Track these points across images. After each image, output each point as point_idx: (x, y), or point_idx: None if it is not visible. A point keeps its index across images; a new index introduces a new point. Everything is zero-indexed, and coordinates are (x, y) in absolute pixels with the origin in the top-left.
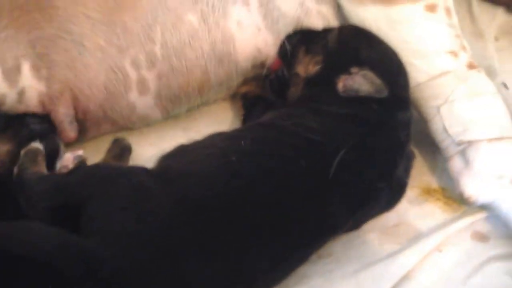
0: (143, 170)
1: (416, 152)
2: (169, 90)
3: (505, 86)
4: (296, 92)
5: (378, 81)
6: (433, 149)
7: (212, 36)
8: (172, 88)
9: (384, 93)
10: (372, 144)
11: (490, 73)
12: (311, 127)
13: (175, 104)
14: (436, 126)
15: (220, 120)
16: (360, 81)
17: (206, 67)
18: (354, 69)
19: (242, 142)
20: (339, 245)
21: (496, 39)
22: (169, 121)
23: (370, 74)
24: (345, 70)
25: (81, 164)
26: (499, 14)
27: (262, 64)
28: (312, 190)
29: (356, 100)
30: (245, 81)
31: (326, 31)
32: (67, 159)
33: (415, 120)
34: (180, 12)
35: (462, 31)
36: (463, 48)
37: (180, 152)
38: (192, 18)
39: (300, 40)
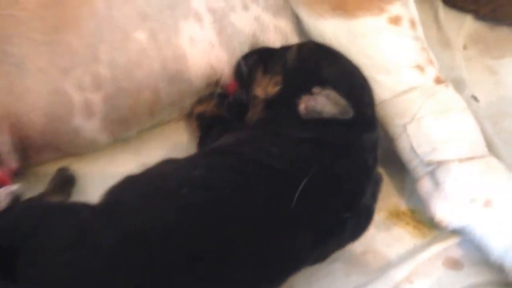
0: (85, 207)
1: (382, 171)
2: (117, 113)
3: (475, 98)
4: (256, 115)
5: (342, 101)
6: (400, 168)
7: (163, 54)
8: (120, 110)
9: (349, 114)
10: (337, 171)
11: (459, 85)
12: (271, 153)
13: (124, 127)
14: (403, 145)
15: (174, 142)
16: (322, 102)
17: (157, 87)
18: (316, 89)
19: (195, 172)
20: (301, 278)
21: (465, 47)
22: (118, 145)
23: (333, 94)
24: (307, 90)
25: (15, 201)
26: (468, 21)
27: (217, 82)
28: (272, 223)
29: (319, 122)
30: (200, 100)
31: (285, 48)
32: None
33: (382, 137)
34: (127, 29)
35: (428, 40)
36: (430, 61)
37: (128, 184)
38: (140, 36)
39: (257, 60)
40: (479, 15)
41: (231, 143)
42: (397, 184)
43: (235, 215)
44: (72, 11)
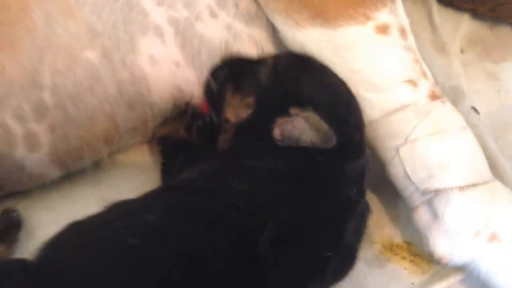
0: (21, 266)
1: (374, 198)
2: (66, 144)
3: (475, 110)
4: (226, 141)
5: (324, 126)
6: (394, 195)
7: (118, 76)
8: (70, 140)
9: (332, 142)
10: (314, 209)
11: (457, 95)
12: (240, 191)
13: (77, 158)
14: (395, 171)
15: (137, 168)
16: (301, 126)
17: (112, 113)
18: (293, 110)
19: (149, 218)
20: None
21: (462, 51)
22: (73, 177)
23: (314, 117)
24: (283, 112)
25: None
26: (464, 21)
27: (187, 104)
28: (241, 277)
29: (296, 151)
30: (165, 121)
31: (259, 61)
32: None
33: (373, 159)
34: (74, 49)
35: (422, 44)
36: (424, 74)
37: (71, 233)
38: (90, 56)
39: (227, 76)
40: (477, 14)
41: (195, 178)
42: (390, 212)
43: (197, 271)
44: (4, 29)
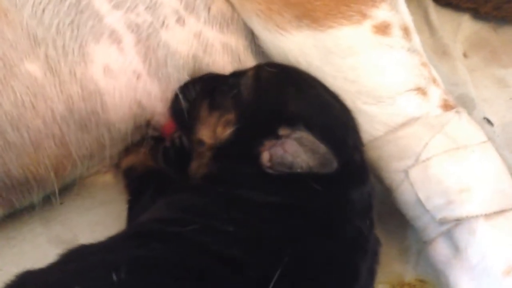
0: None
1: (379, 229)
2: (8, 176)
3: (489, 122)
4: (201, 168)
5: (321, 147)
6: (403, 225)
7: (67, 91)
8: (11, 172)
9: (333, 165)
10: (321, 251)
11: (466, 104)
12: (223, 233)
13: (22, 193)
14: (405, 197)
15: (96, 201)
16: (294, 150)
17: (62, 137)
18: (283, 130)
19: (113, 276)
20: None
21: (465, 55)
22: (19, 214)
23: (308, 138)
24: (270, 133)
25: None
26: (465, 22)
27: (148, 124)
28: None
29: (289, 179)
30: (129, 149)
31: (238, 74)
32: None
33: (376, 183)
34: (12, 60)
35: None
36: (433, 80)
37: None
38: (31, 68)
39: (201, 91)
40: (480, 14)
41: (167, 217)
42: (398, 246)
43: None
44: None
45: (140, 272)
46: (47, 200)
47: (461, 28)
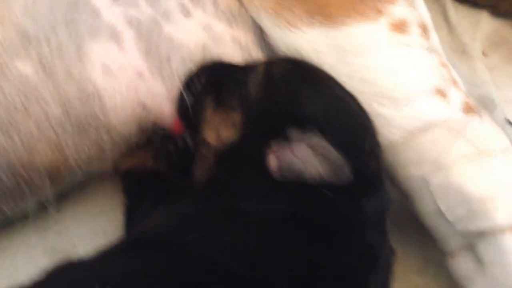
0: None
1: (396, 241)
2: None
3: (510, 123)
4: (205, 172)
5: (334, 154)
6: (422, 236)
7: (62, 92)
8: (2, 179)
9: (345, 174)
10: (328, 268)
11: (486, 105)
12: (227, 246)
13: (13, 201)
14: (424, 207)
15: (96, 207)
16: (304, 155)
17: (58, 141)
18: (293, 133)
19: None
20: None
21: (484, 54)
22: (12, 222)
23: (320, 142)
24: (278, 135)
25: None
26: (483, 19)
27: (154, 125)
28: None
29: (298, 187)
30: (131, 151)
31: (247, 68)
32: None
33: (393, 190)
34: (1, 58)
35: None
36: (454, 82)
37: None
38: (23, 68)
39: (207, 85)
40: (499, 11)
41: (166, 225)
42: (417, 258)
43: None
44: None
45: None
46: (43, 208)
47: (479, 26)
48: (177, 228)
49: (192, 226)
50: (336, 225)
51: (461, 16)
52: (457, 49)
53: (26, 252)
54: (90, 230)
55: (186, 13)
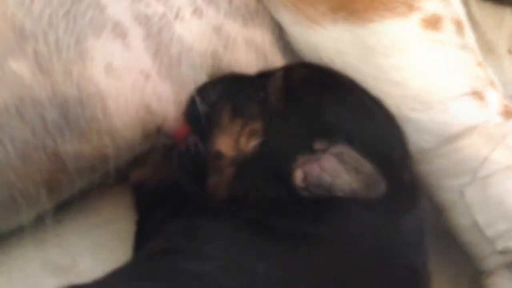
0: None
1: None
2: None
3: None
4: (222, 188)
5: (366, 166)
6: (456, 252)
7: (61, 93)
8: None
9: (380, 187)
10: None
11: None
12: (251, 273)
13: (7, 214)
14: (459, 221)
15: (102, 220)
16: (333, 168)
17: (55, 148)
18: (319, 144)
19: None
20: None
21: (510, 52)
22: (8, 236)
23: (350, 154)
24: (304, 147)
25: None
26: (508, 16)
27: (158, 131)
28: None
29: (327, 203)
30: (139, 161)
31: (264, 76)
32: None
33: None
34: None
35: None
36: (491, 83)
37: None
38: (17, 67)
39: (222, 94)
40: None
41: (182, 248)
42: (450, 272)
43: None
44: None
45: None
46: (41, 219)
47: (503, 23)
48: (193, 252)
49: (209, 250)
50: (371, 247)
51: (485, 14)
52: (483, 47)
53: (23, 267)
54: (92, 244)
55: (198, 12)
